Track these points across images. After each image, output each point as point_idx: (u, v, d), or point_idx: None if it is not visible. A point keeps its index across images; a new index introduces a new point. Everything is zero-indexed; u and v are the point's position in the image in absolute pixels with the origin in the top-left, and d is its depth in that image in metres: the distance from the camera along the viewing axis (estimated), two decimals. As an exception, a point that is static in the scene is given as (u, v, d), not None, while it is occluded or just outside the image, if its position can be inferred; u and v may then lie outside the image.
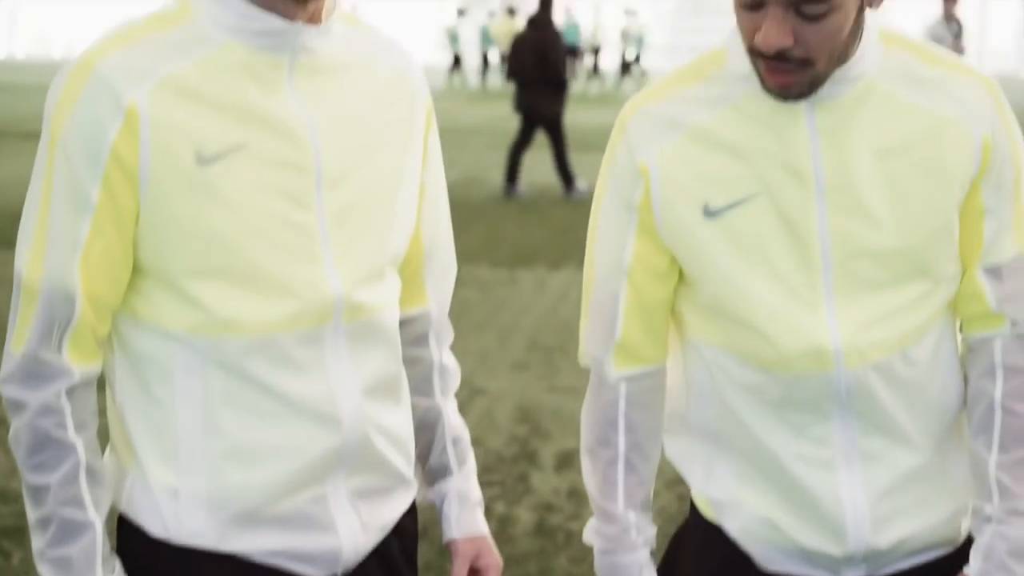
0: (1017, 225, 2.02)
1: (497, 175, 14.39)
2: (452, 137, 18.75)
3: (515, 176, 13.19)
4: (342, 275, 1.92)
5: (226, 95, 1.86)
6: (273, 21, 1.87)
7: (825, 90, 1.92)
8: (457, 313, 8.08)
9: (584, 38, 33.04)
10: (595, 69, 33.40)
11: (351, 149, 1.95)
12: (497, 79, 33.83)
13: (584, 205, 12.59)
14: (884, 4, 1.93)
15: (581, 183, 13.49)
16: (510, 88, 30.71)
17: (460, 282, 9.05)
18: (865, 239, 1.95)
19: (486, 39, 32.78)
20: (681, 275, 2.05)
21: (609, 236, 2.04)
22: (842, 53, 1.88)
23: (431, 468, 2.19)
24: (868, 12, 1.91)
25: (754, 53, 1.86)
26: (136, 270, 1.89)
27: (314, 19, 1.91)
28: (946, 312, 2.04)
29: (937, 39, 13.55)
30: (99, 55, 1.84)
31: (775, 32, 1.81)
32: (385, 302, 1.99)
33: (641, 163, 1.97)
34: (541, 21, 13.17)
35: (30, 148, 16.08)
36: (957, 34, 13.66)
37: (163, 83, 1.84)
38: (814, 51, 1.83)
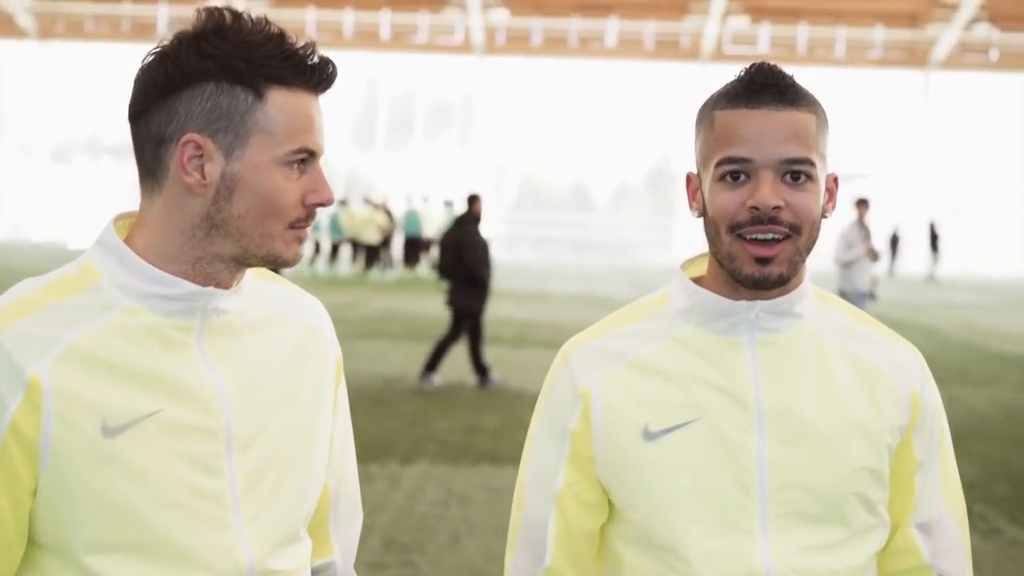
0: (943, 485, 2.10)
1: (345, 365, 14.26)
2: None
3: (484, 371, 13.37)
4: (254, 542, 1.88)
5: (133, 362, 1.82)
6: (185, 286, 1.85)
7: (767, 323, 1.99)
8: (310, 510, 7.89)
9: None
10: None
11: (263, 408, 1.91)
12: (346, 267, 33.90)
13: (431, 398, 12.54)
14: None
15: (496, 374, 13.57)
16: (360, 276, 31.08)
17: (312, 477, 8.88)
18: (801, 471, 1.98)
19: (335, 227, 32.93)
20: (613, 510, 2.06)
21: (541, 464, 2.06)
22: (813, 245, 1.95)
23: None
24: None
25: (737, 228, 1.92)
26: (31, 543, 1.82)
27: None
28: (874, 564, 2.08)
29: (849, 242, 14.55)
30: (0, 324, 1.79)
31: (770, 192, 1.90)
32: (299, 567, 1.96)
33: (583, 389, 2.01)
34: (462, 218, 13.50)
35: None
36: (866, 237, 14.65)
37: (67, 352, 1.79)
38: (801, 217, 1.91)
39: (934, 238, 36.87)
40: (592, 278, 32.51)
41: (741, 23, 41.03)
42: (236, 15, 1.86)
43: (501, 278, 30.97)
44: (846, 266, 14.63)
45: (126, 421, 1.80)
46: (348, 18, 41.88)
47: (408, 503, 8.34)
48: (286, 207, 1.87)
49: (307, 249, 34.20)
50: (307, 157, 1.89)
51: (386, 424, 11.00)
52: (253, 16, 1.88)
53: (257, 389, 1.92)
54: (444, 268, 13.54)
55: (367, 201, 34.08)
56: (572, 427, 2.03)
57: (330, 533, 2.12)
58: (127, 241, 1.90)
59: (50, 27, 42.66)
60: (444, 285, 13.74)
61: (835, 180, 2.03)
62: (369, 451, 9.80)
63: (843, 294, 14.34)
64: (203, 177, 1.85)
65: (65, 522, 1.79)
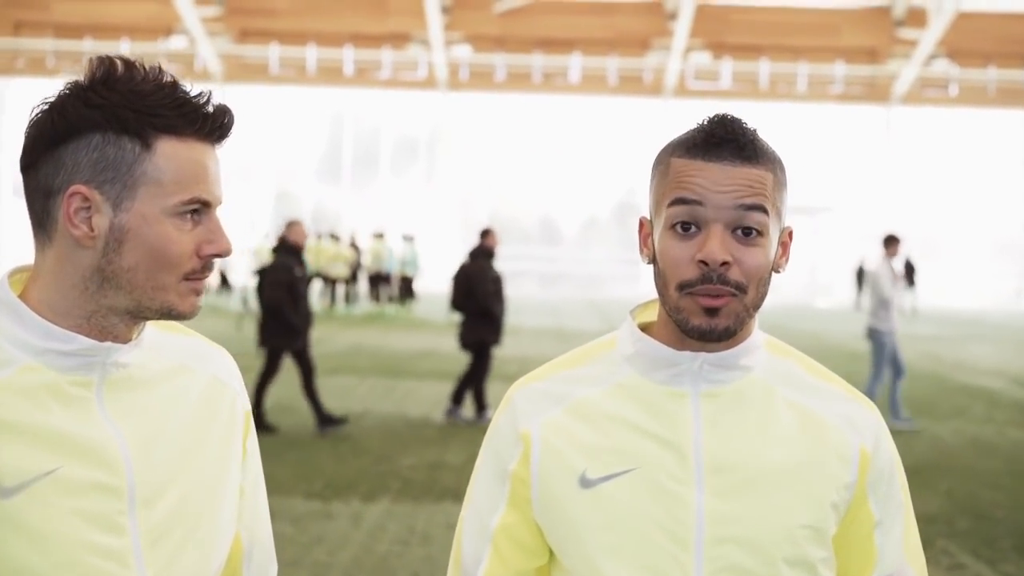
0: (905, 541, 2.06)
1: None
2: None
3: (482, 403, 13.35)
4: None
5: (29, 420, 1.77)
6: (82, 341, 1.81)
7: (712, 375, 1.96)
8: (271, 550, 7.80)
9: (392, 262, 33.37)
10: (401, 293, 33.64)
11: (167, 462, 1.87)
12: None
13: (396, 434, 12.46)
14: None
15: (462, 411, 13.50)
16: (328, 311, 30.97)
17: (272, 515, 8.79)
18: (739, 525, 1.94)
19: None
20: (551, 553, 2.03)
21: (480, 502, 2.04)
22: (760, 300, 1.93)
23: None
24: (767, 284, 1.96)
25: (687, 286, 1.90)
26: None
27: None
28: None
29: (882, 280, 13.91)
30: None
31: (719, 247, 1.88)
32: None
33: (524, 431, 1.99)
34: (475, 252, 13.52)
35: None
36: (896, 275, 14.07)
37: None
38: (748, 275, 1.89)
39: (910, 271, 37.03)
40: (561, 312, 32.48)
41: (703, 59, 41.22)
42: (128, 63, 1.83)
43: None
44: (881, 305, 13.90)
45: (22, 481, 1.76)
46: (311, 54, 41.88)
47: (369, 541, 8.26)
48: (178, 258, 1.83)
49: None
50: (200, 207, 1.85)
51: (350, 461, 10.92)
52: (147, 65, 1.84)
53: (161, 443, 1.88)
54: (456, 302, 13.52)
55: (333, 236, 33.98)
56: (512, 468, 2.01)
57: (242, 563, 2.08)
58: (23, 295, 1.85)
59: (11, 64, 42.50)
60: (456, 319, 13.72)
61: (790, 234, 2.01)
62: (332, 488, 9.72)
63: (876, 333, 13.86)
64: (91, 229, 1.81)
65: None
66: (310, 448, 11.56)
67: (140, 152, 1.80)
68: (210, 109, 1.85)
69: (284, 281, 12.31)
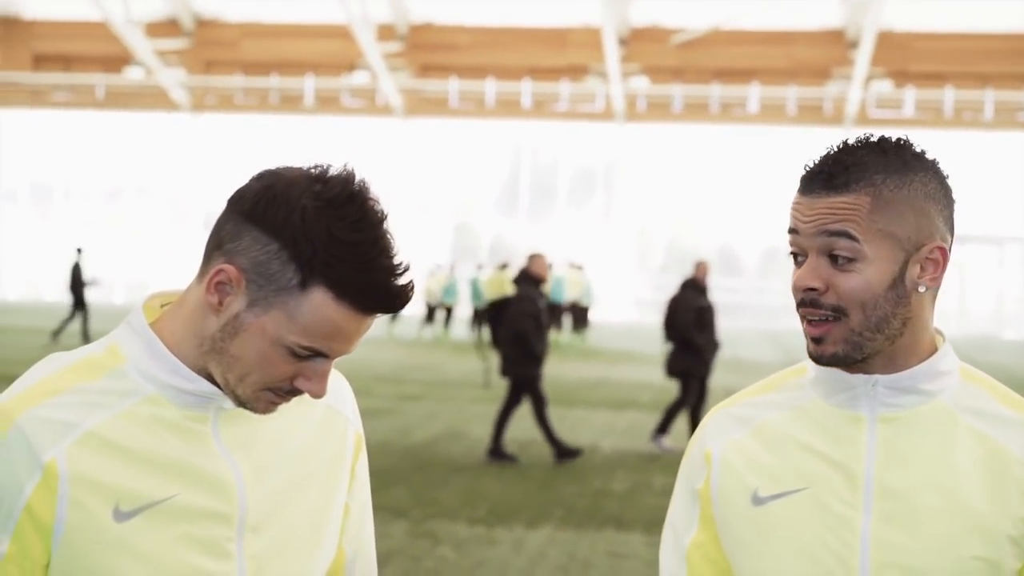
0: None
1: (479, 429, 14.37)
2: (435, 391, 18.76)
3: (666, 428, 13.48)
4: None
5: (149, 449, 1.88)
6: (204, 385, 1.90)
7: (889, 398, 2.00)
8: (432, 573, 7.93)
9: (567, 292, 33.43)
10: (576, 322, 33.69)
11: (278, 491, 1.97)
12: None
13: (566, 463, 12.52)
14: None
15: (665, 440, 13.56)
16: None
17: (436, 540, 8.92)
18: (905, 552, 1.97)
19: (476, 293, 33.16)
20: None
21: (676, 522, 2.14)
22: (883, 322, 1.97)
23: None
24: (923, 302, 2.00)
25: (798, 309, 2.00)
26: None
27: None
28: None
29: None
30: (21, 406, 1.85)
31: (808, 274, 1.98)
32: None
33: (707, 452, 2.09)
34: (685, 283, 13.79)
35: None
36: None
37: (85, 438, 1.85)
38: (845, 299, 1.95)
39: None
40: (738, 342, 32.21)
41: (885, 87, 40.54)
42: (364, 202, 1.85)
43: (646, 342, 30.83)
44: None
45: (138, 506, 1.85)
46: (490, 87, 42.38)
47: (530, 568, 8.33)
48: (270, 379, 1.87)
49: (440, 316, 34.53)
50: (314, 355, 1.88)
51: (515, 488, 11.02)
52: (377, 209, 1.86)
53: (273, 473, 1.96)
54: (664, 331, 13.77)
55: (502, 266, 34.10)
56: (699, 488, 2.10)
57: None
58: (158, 321, 1.94)
59: (202, 100, 43.95)
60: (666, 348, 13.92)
61: (942, 251, 2.02)
62: (496, 515, 9.83)
63: None
64: (220, 304, 1.86)
65: None
66: (476, 474, 11.70)
67: (294, 286, 1.82)
68: (389, 287, 1.84)
69: (530, 312, 12.62)
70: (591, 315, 34.44)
